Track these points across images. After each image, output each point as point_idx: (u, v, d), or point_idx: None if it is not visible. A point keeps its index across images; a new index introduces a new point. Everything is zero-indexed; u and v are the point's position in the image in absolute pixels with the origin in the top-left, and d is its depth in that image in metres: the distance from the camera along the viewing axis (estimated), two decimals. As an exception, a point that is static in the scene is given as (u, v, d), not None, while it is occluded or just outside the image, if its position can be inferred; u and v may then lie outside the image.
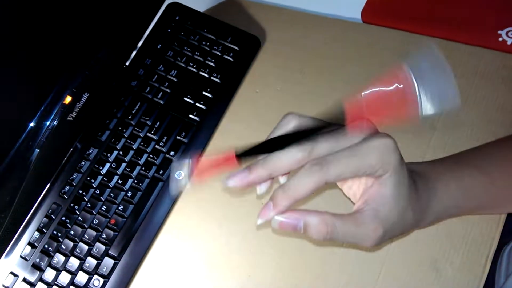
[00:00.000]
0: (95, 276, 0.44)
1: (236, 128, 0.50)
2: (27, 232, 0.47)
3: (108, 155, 0.48)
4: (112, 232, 0.45)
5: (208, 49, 0.52)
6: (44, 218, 0.47)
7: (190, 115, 0.49)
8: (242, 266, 0.43)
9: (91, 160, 0.49)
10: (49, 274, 0.45)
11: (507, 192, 0.34)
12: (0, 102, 0.45)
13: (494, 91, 0.44)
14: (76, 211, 0.47)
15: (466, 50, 0.46)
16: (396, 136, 0.27)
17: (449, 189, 0.31)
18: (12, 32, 0.43)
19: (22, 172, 0.47)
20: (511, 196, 0.34)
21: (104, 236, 0.45)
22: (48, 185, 0.48)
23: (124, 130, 0.49)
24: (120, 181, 0.47)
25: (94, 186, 0.47)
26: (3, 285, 0.45)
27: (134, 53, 0.53)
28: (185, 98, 0.50)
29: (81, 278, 0.44)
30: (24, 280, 0.45)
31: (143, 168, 0.47)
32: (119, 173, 0.48)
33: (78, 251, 0.45)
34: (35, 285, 0.45)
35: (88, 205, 0.47)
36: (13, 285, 0.45)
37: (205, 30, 0.53)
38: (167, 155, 0.48)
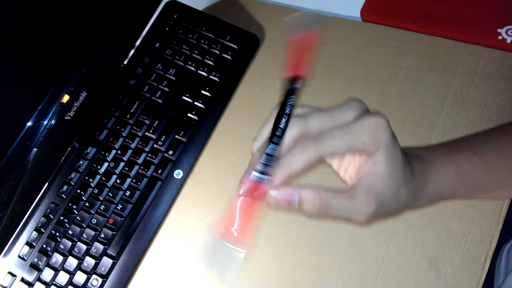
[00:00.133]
0: (94, 276, 0.44)
1: (235, 127, 0.50)
2: (25, 231, 0.46)
3: (106, 154, 0.48)
4: (110, 232, 0.45)
5: (206, 47, 0.52)
6: (42, 218, 0.47)
7: (189, 114, 0.49)
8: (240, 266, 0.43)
9: (89, 160, 0.48)
10: (47, 274, 0.44)
11: (504, 176, 0.34)
12: (-3, 101, 0.44)
13: (493, 90, 0.43)
14: (74, 210, 0.46)
15: (465, 48, 0.46)
16: (396, 136, 0.28)
17: (445, 171, 0.32)
18: (10, 31, 0.43)
19: (19, 171, 0.46)
20: (508, 180, 0.35)
21: (103, 235, 0.45)
22: (46, 184, 0.48)
23: (123, 129, 0.49)
24: (118, 181, 0.47)
25: (92, 186, 0.47)
26: (1, 285, 0.45)
27: (132, 51, 0.53)
28: (184, 97, 0.50)
29: (80, 278, 0.44)
30: (22, 280, 0.45)
31: (142, 167, 0.47)
32: (117, 173, 0.47)
33: (77, 251, 0.45)
34: (33, 285, 0.44)
35: (87, 204, 0.46)
36: (11, 285, 0.45)
37: (204, 29, 0.52)
38: (165, 154, 0.48)
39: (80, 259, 0.45)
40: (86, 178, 0.47)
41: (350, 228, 0.42)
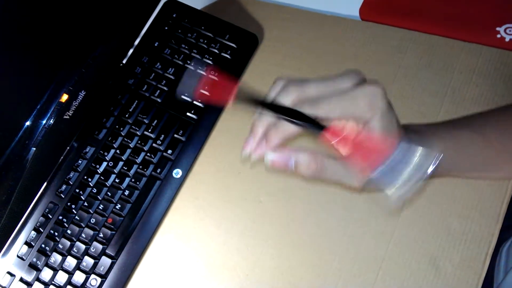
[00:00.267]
0: (92, 276, 0.44)
1: (234, 126, 0.50)
2: (23, 231, 0.46)
3: (105, 153, 0.48)
4: (109, 231, 0.45)
5: (205, 46, 0.52)
6: (41, 217, 0.46)
7: (188, 113, 0.49)
8: (240, 266, 0.43)
9: (88, 159, 0.48)
10: (46, 274, 0.44)
11: (503, 154, 0.34)
12: (-5, 101, 0.44)
13: (492, 88, 0.43)
14: (73, 210, 0.46)
15: (464, 47, 0.46)
16: (392, 105, 0.28)
17: (444, 145, 0.32)
18: (8, 31, 0.42)
19: (18, 171, 0.46)
20: (507, 157, 0.35)
21: (101, 235, 0.45)
22: (45, 184, 0.48)
23: (121, 129, 0.49)
24: (117, 180, 0.47)
25: (91, 185, 0.47)
26: (0, 285, 0.45)
27: (131, 51, 0.53)
28: (183, 96, 0.50)
29: (78, 277, 0.44)
30: (21, 279, 0.44)
31: (141, 166, 0.47)
32: (116, 172, 0.47)
33: (75, 251, 0.45)
34: (32, 285, 0.44)
35: (85, 204, 0.46)
36: (10, 285, 0.44)
37: (203, 28, 0.52)
38: (164, 154, 0.47)
39: (79, 259, 0.45)
40: (85, 177, 0.47)
41: (350, 228, 0.42)
